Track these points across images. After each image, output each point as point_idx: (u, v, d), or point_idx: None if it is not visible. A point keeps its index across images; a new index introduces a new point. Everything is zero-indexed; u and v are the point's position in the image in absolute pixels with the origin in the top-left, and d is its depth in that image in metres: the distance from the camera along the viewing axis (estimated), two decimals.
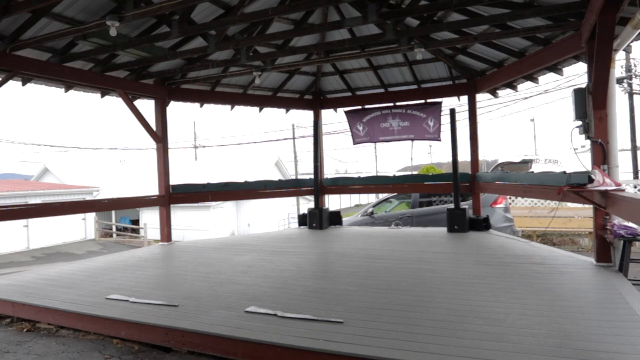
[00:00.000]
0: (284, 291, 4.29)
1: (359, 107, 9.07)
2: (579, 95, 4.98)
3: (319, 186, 9.08)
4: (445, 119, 8.33)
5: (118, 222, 25.91)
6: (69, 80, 6.49)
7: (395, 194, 10.30)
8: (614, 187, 4.00)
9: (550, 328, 3.10)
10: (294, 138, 29.22)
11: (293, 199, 27.30)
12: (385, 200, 10.69)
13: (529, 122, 59.10)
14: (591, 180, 4.23)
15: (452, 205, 7.84)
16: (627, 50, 10.66)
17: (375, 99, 8.96)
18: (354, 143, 9.18)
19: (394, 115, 8.70)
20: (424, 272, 4.90)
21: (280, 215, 26.50)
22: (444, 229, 7.69)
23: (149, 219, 22.84)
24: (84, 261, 6.51)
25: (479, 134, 8.08)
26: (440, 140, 8.48)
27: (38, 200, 20.69)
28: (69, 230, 22.89)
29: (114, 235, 25.09)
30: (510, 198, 12.50)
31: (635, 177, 16.24)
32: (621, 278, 4.36)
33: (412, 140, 8.70)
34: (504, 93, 8.75)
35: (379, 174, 32.22)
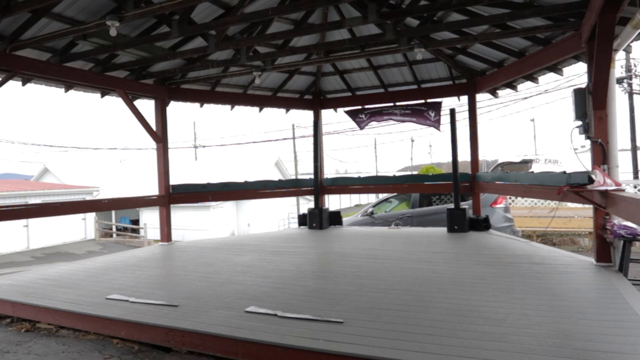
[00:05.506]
0: (284, 291, 4.29)
1: (359, 107, 9.08)
2: (579, 95, 4.98)
3: (319, 186, 9.08)
4: (445, 119, 8.35)
5: (118, 222, 25.92)
6: (69, 80, 6.49)
7: (395, 194, 10.30)
8: (614, 187, 4.00)
9: (550, 328, 3.10)
10: (294, 138, 29.20)
11: (293, 199, 27.30)
12: (385, 200, 10.69)
13: (529, 122, 59.18)
14: (591, 181, 4.23)
15: (452, 205, 7.84)
16: (627, 50, 10.65)
17: (375, 99, 8.96)
18: (361, 128, 9.10)
19: (394, 111, 8.72)
20: (424, 272, 4.90)
21: (280, 215, 26.50)
22: (444, 229, 7.69)
23: (149, 219, 22.85)
24: (84, 261, 6.51)
25: (479, 134, 8.09)
26: (439, 130, 8.48)
27: (38, 200, 20.69)
28: (69, 230, 22.90)
29: (114, 235, 25.09)
30: (510, 198, 12.51)
31: (635, 177, 16.24)
32: (621, 278, 4.36)
33: (415, 123, 8.64)
34: (504, 93, 8.76)
35: (379, 174, 32.14)
